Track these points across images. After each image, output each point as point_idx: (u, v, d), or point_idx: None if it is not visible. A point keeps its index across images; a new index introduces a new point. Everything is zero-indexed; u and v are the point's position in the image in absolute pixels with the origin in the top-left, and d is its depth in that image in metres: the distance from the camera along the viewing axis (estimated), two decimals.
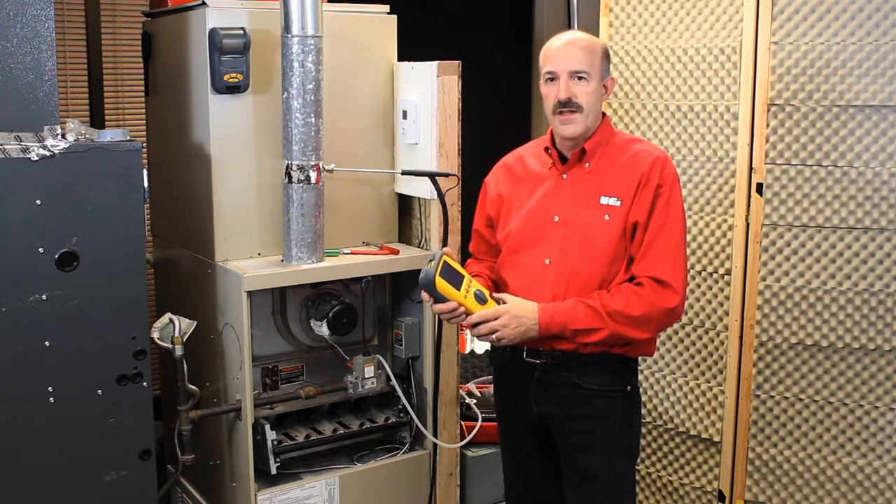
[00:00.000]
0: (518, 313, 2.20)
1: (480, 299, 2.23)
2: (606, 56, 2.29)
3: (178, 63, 2.91)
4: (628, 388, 2.31)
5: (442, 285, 2.19)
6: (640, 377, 2.60)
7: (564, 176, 2.31)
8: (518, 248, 2.32)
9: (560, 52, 2.25)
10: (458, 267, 2.24)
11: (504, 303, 2.24)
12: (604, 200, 2.24)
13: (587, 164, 2.29)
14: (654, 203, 2.21)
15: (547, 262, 2.26)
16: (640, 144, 2.31)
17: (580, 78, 2.23)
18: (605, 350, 2.25)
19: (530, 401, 2.33)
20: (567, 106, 2.24)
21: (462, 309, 2.21)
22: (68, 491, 2.37)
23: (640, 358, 2.38)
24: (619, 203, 2.22)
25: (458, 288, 2.21)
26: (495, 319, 2.20)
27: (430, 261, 2.21)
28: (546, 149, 2.35)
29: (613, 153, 2.29)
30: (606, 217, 2.22)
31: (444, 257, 2.22)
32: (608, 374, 2.28)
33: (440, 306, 2.22)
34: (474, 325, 2.22)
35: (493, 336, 2.21)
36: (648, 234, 2.20)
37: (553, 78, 2.25)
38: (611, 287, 2.23)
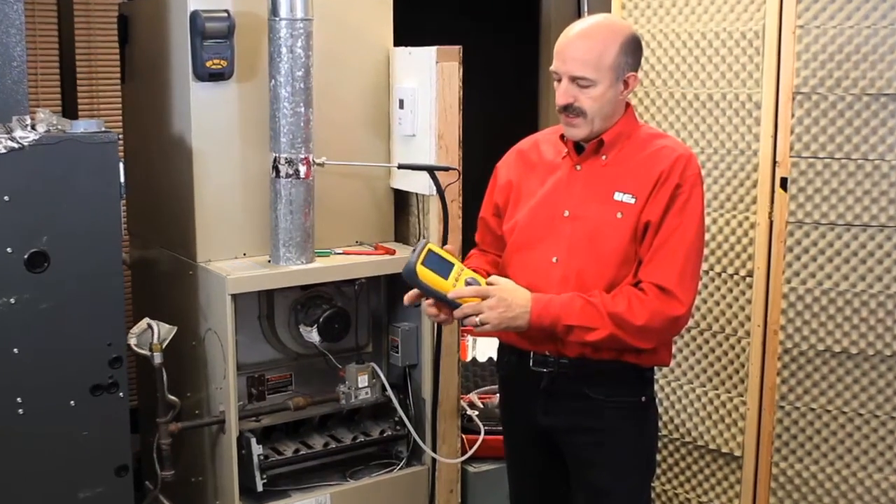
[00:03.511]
0: (508, 297, 2.17)
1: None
2: (629, 49, 2.22)
3: (157, 48, 2.92)
4: (642, 399, 2.31)
5: (426, 275, 2.15)
6: (655, 387, 2.60)
7: (578, 167, 2.29)
8: (524, 243, 2.31)
9: (565, 50, 2.21)
10: (446, 255, 2.21)
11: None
12: (618, 197, 2.22)
13: (604, 157, 2.27)
14: (669, 204, 2.19)
15: (554, 260, 2.25)
16: (664, 140, 2.29)
17: (582, 85, 2.19)
18: (615, 358, 2.24)
19: (537, 412, 2.33)
20: (568, 111, 2.23)
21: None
22: None
23: (655, 367, 2.39)
24: (633, 200, 2.20)
25: (446, 277, 2.17)
26: (483, 300, 2.16)
27: (414, 251, 2.19)
28: (562, 136, 2.31)
29: (634, 147, 2.26)
30: (619, 215, 2.21)
31: (429, 245, 2.20)
32: (619, 384, 2.28)
33: (430, 310, 2.20)
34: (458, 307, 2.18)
35: (477, 318, 2.15)
36: (659, 237, 2.18)
37: (558, 78, 2.24)
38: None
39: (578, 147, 2.30)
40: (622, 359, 2.25)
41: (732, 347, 3.12)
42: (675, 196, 2.18)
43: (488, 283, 2.21)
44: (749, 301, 3.06)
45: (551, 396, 2.30)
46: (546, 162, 2.35)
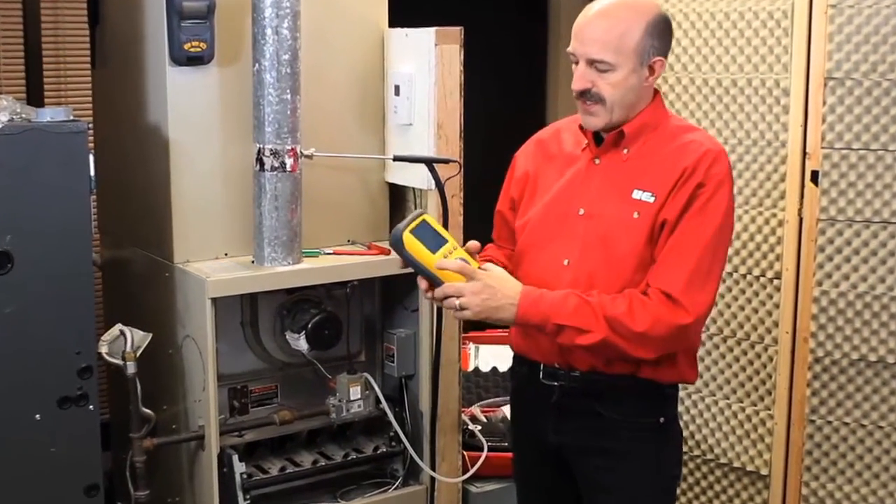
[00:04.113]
0: (495, 285, 2.14)
1: None
2: (655, 31, 2.17)
3: (131, 29, 2.91)
4: (661, 420, 2.27)
5: (412, 244, 2.14)
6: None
7: (597, 161, 2.25)
8: (535, 242, 2.30)
9: (583, 29, 2.18)
10: (441, 230, 2.20)
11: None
12: (636, 195, 2.18)
13: (625, 150, 2.23)
14: (688, 203, 2.14)
15: (565, 262, 2.23)
16: (693, 134, 2.24)
17: (601, 69, 2.16)
18: (630, 373, 2.21)
19: (547, 429, 2.32)
20: (585, 97, 2.20)
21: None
22: None
23: (679, 385, 2.35)
24: (652, 199, 2.17)
25: (434, 251, 2.15)
26: (467, 282, 2.13)
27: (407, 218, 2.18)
28: (581, 125, 2.28)
29: (660, 140, 2.22)
30: (635, 215, 2.18)
31: (424, 215, 2.19)
32: (636, 402, 2.25)
33: (421, 283, 2.18)
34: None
35: (457, 301, 2.13)
36: (672, 239, 2.14)
37: (575, 60, 2.20)
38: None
39: (598, 138, 2.26)
40: (638, 374, 2.22)
41: (758, 356, 3.11)
42: (695, 195, 2.14)
43: (481, 269, 2.19)
44: (776, 305, 3.06)
45: (562, 413, 2.29)
46: (565, 153, 2.32)
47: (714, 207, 2.15)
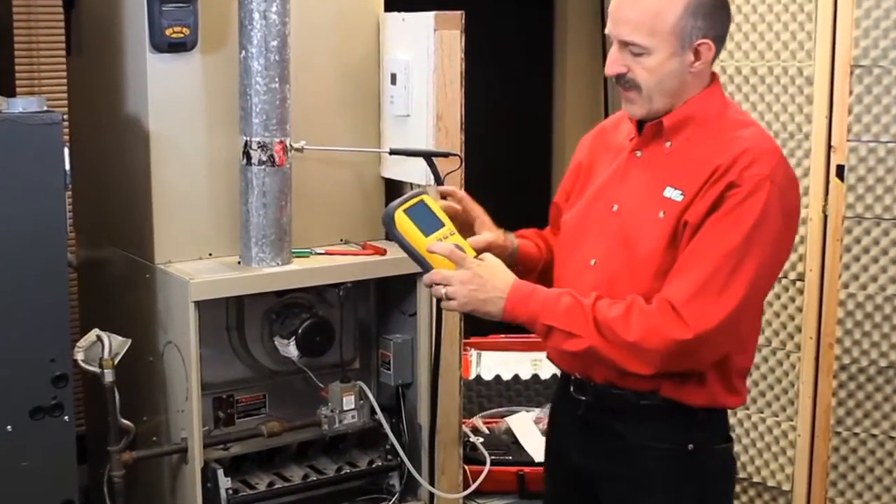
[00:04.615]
0: (485, 276, 2.11)
1: None
2: (698, 9, 2.07)
3: (109, 14, 2.91)
4: (689, 447, 2.17)
5: (404, 224, 2.12)
6: None
7: (638, 153, 2.19)
8: (570, 240, 2.26)
9: (617, 8, 2.11)
10: (439, 213, 2.19)
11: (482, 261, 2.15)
12: (667, 192, 2.11)
13: (668, 143, 2.15)
14: (715, 205, 2.05)
15: (592, 262, 2.19)
16: (747, 129, 2.14)
17: (635, 52, 2.09)
18: (651, 389, 2.13)
19: (572, 448, 2.28)
20: (621, 83, 2.14)
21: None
22: None
23: (720, 408, 2.21)
24: (680, 198, 2.09)
25: (427, 234, 2.14)
26: (459, 269, 2.11)
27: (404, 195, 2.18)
28: None
29: (708, 134, 2.13)
30: (661, 214, 2.11)
31: (423, 196, 2.19)
32: (657, 424, 2.16)
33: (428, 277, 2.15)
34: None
35: (443, 290, 2.11)
36: (692, 243, 2.06)
37: (612, 42, 2.14)
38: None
39: (642, 129, 2.20)
40: (660, 392, 2.14)
41: (780, 363, 3.11)
42: (724, 197, 2.04)
43: (477, 258, 2.16)
44: (800, 309, 3.06)
45: (586, 431, 2.24)
46: (617, 144, 2.27)
47: (745, 212, 2.02)
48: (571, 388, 2.26)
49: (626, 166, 2.21)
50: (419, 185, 3.02)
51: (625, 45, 2.10)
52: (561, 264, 2.28)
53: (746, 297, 2.03)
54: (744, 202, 2.03)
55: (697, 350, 2.03)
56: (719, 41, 2.12)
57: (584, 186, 2.30)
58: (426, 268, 2.14)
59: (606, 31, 2.14)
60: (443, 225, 2.18)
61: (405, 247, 2.15)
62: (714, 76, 2.17)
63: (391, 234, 2.16)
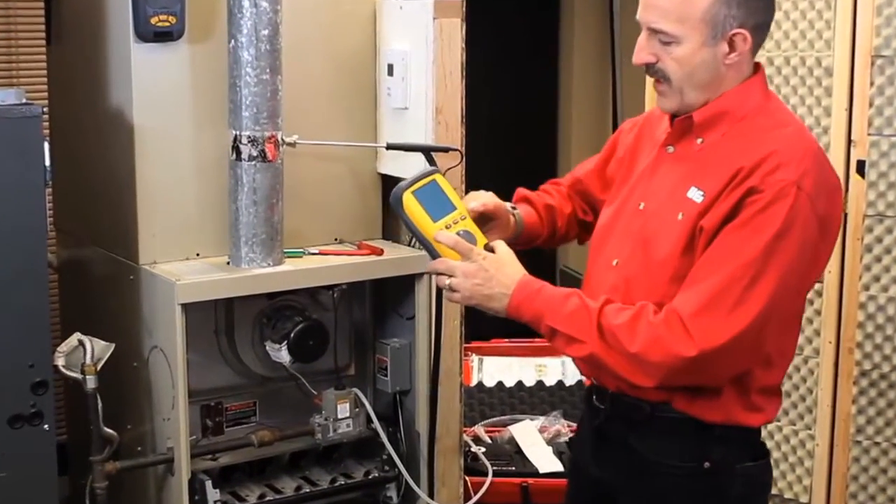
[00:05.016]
0: (491, 270, 2.11)
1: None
2: None
3: (91, 1, 2.91)
4: (705, 465, 2.13)
5: (411, 206, 2.13)
6: None
7: (670, 148, 2.17)
8: (600, 238, 2.26)
9: None
10: (452, 195, 2.19)
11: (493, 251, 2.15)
12: (690, 193, 2.08)
13: (699, 140, 2.13)
14: (734, 211, 2.01)
15: (614, 262, 2.19)
16: (783, 130, 2.08)
17: (664, 41, 2.06)
18: (663, 400, 2.11)
19: (590, 459, 2.28)
20: (651, 73, 2.12)
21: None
22: None
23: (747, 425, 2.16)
24: (700, 199, 2.06)
25: (436, 218, 2.14)
26: (465, 261, 2.11)
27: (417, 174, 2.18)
28: None
29: (743, 131, 2.09)
30: (680, 216, 2.08)
31: (437, 175, 2.18)
32: (670, 439, 2.14)
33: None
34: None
35: (447, 281, 2.12)
36: (707, 252, 2.03)
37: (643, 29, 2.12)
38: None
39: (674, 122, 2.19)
40: (673, 404, 2.12)
41: (797, 369, 3.11)
42: (744, 203, 2.00)
43: (487, 248, 2.16)
44: (818, 312, 3.06)
45: (602, 442, 2.24)
46: (657, 136, 2.24)
47: (765, 221, 1.97)
48: (594, 397, 2.26)
49: (657, 162, 2.19)
50: None
51: (654, 32, 2.07)
52: (590, 262, 2.28)
53: (764, 312, 1.98)
54: (765, 210, 1.98)
55: (703, 368, 2.00)
56: (759, 31, 2.08)
57: (623, 182, 2.28)
58: (433, 254, 2.15)
59: (637, 16, 2.11)
60: (454, 208, 2.18)
61: (413, 231, 2.16)
62: (758, 67, 2.13)
63: (398, 215, 2.16)
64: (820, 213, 2.01)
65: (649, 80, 2.22)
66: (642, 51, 2.09)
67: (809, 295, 3.05)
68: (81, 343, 2.71)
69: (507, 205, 2.37)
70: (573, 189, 2.48)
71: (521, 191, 2.48)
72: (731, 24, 2.03)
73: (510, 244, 2.22)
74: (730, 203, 2.01)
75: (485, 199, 2.30)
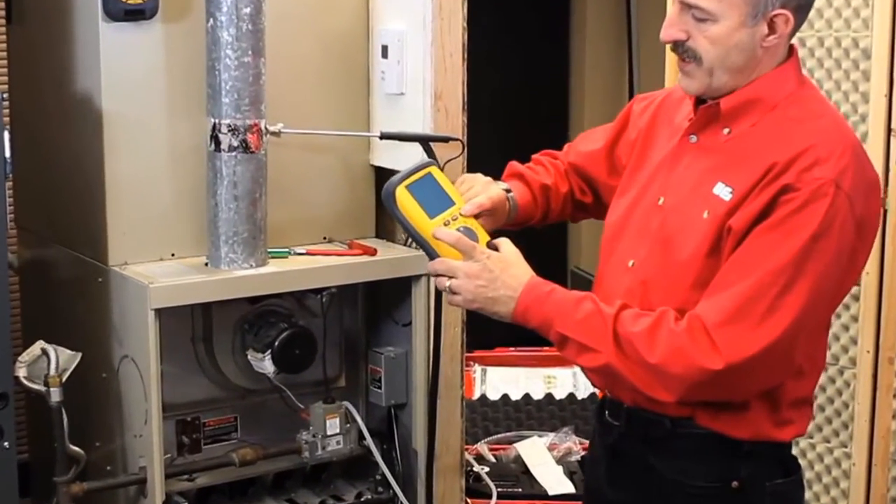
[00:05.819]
0: (496, 271, 2.11)
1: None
2: None
3: None
4: (733, 484, 2.14)
5: (405, 202, 2.13)
6: None
7: (693, 138, 2.16)
8: (613, 236, 2.25)
9: None
10: (449, 189, 2.19)
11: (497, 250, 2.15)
12: (717, 189, 2.07)
13: (726, 130, 2.12)
14: (766, 211, 2.00)
15: (630, 263, 2.18)
16: (817, 121, 2.08)
17: (698, 17, 2.04)
18: (686, 415, 2.11)
19: (603, 480, 2.29)
20: (678, 51, 2.10)
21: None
22: None
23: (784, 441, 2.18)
24: (729, 196, 2.05)
25: (433, 215, 2.14)
26: (465, 260, 2.11)
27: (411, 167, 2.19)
28: None
29: (775, 122, 2.08)
30: (705, 214, 2.07)
31: (432, 168, 2.19)
32: (696, 459, 2.15)
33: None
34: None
35: (448, 283, 2.12)
36: (735, 255, 2.02)
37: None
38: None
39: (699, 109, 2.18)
40: (697, 420, 2.12)
41: (832, 381, 3.12)
42: (777, 202, 1.99)
43: (490, 246, 2.16)
44: (855, 318, 3.06)
45: (617, 461, 2.25)
46: (678, 121, 2.23)
47: (801, 223, 1.96)
48: (607, 412, 2.26)
49: (678, 152, 2.18)
50: None
51: (686, 7, 2.05)
52: (602, 263, 2.27)
53: (797, 323, 1.98)
54: (800, 211, 1.97)
55: (729, 382, 2.00)
56: (802, 12, 2.07)
57: (640, 164, 2.27)
58: (431, 254, 2.15)
59: None
60: (452, 203, 2.18)
61: (408, 229, 2.16)
62: (792, 50, 2.12)
63: (391, 212, 2.17)
64: (858, 213, 2.00)
65: (670, 61, 2.22)
66: (672, 26, 2.07)
67: (845, 299, 3.07)
68: (45, 352, 2.72)
69: (502, 186, 2.36)
70: (572, 168, 2.47)
71: (514, 165, 2.47)
72: (774, 3, 2.02)
73: (499, 229, 2.22)
74: (762, 202, 1.99)
75: (490, 191, 2.29)
